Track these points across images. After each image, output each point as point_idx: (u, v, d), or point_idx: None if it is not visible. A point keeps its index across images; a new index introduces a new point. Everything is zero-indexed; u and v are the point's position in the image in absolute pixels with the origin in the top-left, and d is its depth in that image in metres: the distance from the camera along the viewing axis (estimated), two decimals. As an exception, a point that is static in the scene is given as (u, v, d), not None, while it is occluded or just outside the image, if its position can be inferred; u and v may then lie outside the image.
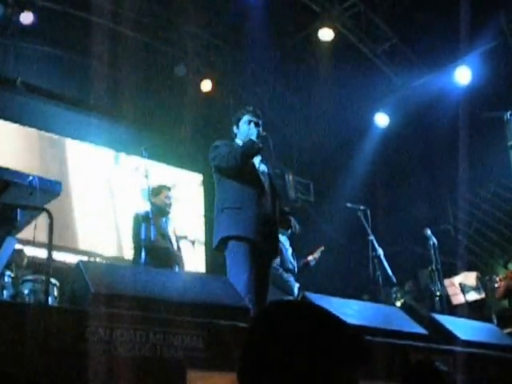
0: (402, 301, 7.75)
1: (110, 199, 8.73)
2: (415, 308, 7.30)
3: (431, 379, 2.50)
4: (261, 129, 4.30)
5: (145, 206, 5.51)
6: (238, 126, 4.37)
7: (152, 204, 5.43)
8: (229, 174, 4.17)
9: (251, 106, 4.63)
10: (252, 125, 4.28)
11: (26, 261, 5.91)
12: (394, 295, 7.72)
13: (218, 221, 4.17)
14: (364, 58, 9.03)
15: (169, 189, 5.84)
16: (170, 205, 5.76)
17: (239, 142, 4.31)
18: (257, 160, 4.34)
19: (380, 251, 5.39)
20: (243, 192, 4.13)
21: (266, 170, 4.41)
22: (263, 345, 1.15)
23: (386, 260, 5.38)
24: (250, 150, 4.15)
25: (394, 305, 7.28)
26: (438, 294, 6.07)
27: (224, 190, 4.19)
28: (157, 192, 5.69)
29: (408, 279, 8.01)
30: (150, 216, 5.17)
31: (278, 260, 5.04)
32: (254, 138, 4.21)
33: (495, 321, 7.04)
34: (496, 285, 7.44)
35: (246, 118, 4.32)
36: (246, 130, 4.29)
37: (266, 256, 4.15)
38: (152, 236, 5.14)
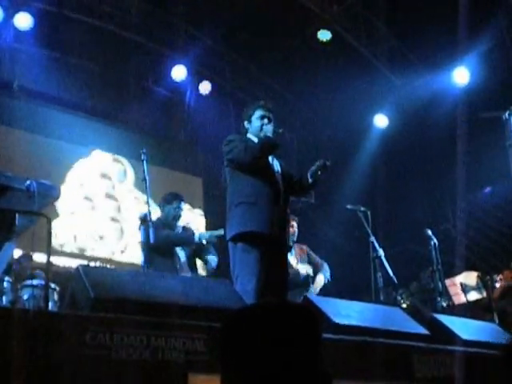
0: (408, 303, 7.72)
1: (110, 203, 8.72)
2: (421, 310, 7.26)
3: None
4: (273, 123, 4.21)
5: (144, 209, 5.44)
6: (249, 121, 4.26)
7: (162, 212, 5.34)
8: (243, 169, 4.09)
9: (262, 99, 4.52)
10: (265, 120, 4.20)
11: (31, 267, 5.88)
12: (399, 297, 7.69)
13: (232, 215, 4.08)
14: (363, 59, 9.02)
15: (180, 199, 5.41)
16: (178, 217, 5.34)
17: (252, 137, 4.22)
18: (270, 157, 4.25)
19: (381, 252, 5.38)
20: (258, 187, 4.06)
21: (279, 167, 4.33)
22: (237, 341, 1.34)
23: (387, 261, 5.38)
24: (267, 147, 4.08)
25: (400, 306, 7.26)
26: (439, 293, 6.06)
27: (238, 185, 4.11)
28: (168, 201, 5.40)
29: (410, 280, 7.99)
30: (149, 219, 5.09)
31: None
32: (269, 134, 4.14)
33: (496, 320, 7.03)
34: (497, 284, 7.43)
35: (258, 112, 4.23)
36: (258, 125, 4.20)
37: (281, 250, 4.10)
38: (151, 239, 5.09)
